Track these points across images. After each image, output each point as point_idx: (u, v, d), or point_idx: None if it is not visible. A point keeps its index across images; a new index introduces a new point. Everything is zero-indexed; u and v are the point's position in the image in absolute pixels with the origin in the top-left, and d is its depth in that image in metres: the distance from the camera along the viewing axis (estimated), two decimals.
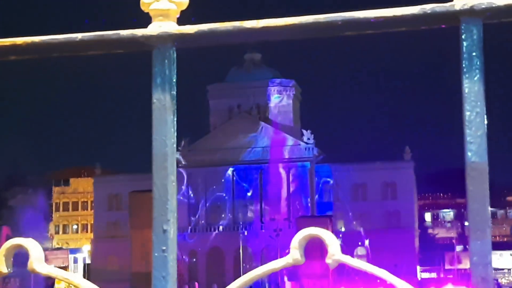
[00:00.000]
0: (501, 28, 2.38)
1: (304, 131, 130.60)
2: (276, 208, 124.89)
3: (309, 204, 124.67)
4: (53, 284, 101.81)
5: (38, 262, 2.27)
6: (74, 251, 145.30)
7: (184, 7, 2.37)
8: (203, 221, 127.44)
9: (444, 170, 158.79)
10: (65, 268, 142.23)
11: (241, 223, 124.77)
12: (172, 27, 2.34)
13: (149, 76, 2.35)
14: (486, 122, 2.17)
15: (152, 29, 2.34)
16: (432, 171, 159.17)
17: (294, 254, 2.20)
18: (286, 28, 2.27)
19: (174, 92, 2.34)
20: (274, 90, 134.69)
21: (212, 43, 2.34)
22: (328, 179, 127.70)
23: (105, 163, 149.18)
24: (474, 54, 2.18)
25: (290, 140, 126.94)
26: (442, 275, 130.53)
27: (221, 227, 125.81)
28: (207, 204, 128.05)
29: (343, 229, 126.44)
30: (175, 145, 2.32)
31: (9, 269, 2.25)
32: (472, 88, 2.17)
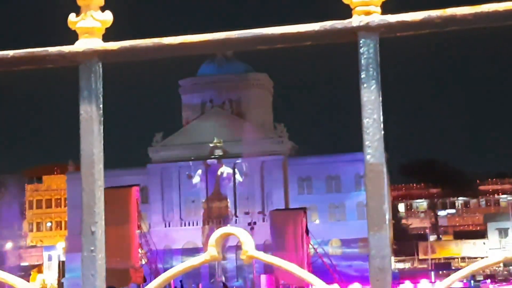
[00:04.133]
0: (397, 40, 2.58)
1: (276, 125, 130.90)
2: (250, 202, 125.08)
3: (283, 197, 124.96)
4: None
5: None
6: (48, 248, 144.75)
7: (108, 24, 2.56)
8: (177, 217, 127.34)
9: (417, 160, 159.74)
10: (39, 265, 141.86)
11: (215, 217, 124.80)
12: (97, 44, 2.53)
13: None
14: (382, 127, 2.37)
15: (79, 46, 2.53)
16: (404, 162, 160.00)
17: (212, 251, 2.39)
18: (202, 44, 2.46)
19: (101, 104, 2.53)
20: (246, 84, 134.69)
21: (134, 58, 2.53)
22: (303, 172, 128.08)
23: (78, 160, 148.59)
24: (371, 66, 2.38)
25: (263, 134, 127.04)
26: (416, 265, 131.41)
27: (195, 222, 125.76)
28: (180, 200, 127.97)
29: (317, 222, 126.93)
30: (101, 153, 2.51)
31: None
32: (369, 97, 2.37)
